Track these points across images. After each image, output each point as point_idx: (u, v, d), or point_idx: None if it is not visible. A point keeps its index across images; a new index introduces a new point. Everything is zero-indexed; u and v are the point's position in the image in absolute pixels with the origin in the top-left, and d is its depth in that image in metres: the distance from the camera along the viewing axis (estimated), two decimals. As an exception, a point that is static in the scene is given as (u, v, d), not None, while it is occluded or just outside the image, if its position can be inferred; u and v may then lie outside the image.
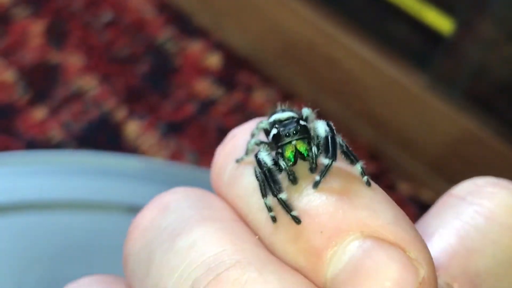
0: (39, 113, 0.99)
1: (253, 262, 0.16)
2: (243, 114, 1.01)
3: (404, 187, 0.97)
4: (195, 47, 1.08)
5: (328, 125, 0.19)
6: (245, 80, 1.05)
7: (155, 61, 1.06)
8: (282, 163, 0.18)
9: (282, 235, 0.17)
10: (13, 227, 0.42)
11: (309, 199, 0.17)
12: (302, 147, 0.18)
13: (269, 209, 0.18)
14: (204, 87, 1.04)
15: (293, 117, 0.20)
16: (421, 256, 0.16)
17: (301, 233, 0.17)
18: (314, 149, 0.18)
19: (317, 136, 0.18)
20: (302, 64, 1.01)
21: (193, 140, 0.98)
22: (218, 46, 1.08)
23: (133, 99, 1.02)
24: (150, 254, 0.19)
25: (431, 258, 0.16)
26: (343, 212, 0.17)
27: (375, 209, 0.17)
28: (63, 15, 1.09)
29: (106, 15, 1.10)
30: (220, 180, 0.20)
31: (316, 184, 0.17)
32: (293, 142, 0.18)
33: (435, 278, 0.16)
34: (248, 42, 1.06)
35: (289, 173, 0.18)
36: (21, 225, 0.42)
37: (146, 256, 0.19)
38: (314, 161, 0.18)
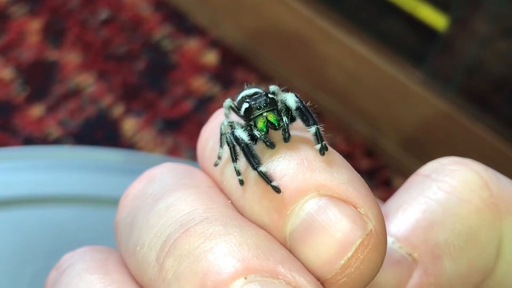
0: (36, 110, 0.99)
1: (219, 218, 0.18)
2: (239, 110, 1.01)
3: (400, 183, 0.97)
4: (192, 44, 1.08)
5: (296, 96, 0.20)
6: (242, 77, 1.06)
7: (152, 58, 1.06)
8: (256, 132, 0.19)
9: (249, 197, 0.19)
10: (8, 222, 0.42)
11: (273, 165, 0.19)
12: (272, 117, 0.19)
13: (238, 173, 0.19)
14: (201, 84, 1.04)
15: (260, 92, 0.21)
16: (370, 212, 0.18)
17: (265, 194, 0.18)
18: (285, 119, 0.19)
19: (287, 107, 0.20)
20: (299, 61, 1.01)
21: (190, 137, 0.99)
22: (215, 43, 1.08)
23: (130, 96, 1.02)
24: (134, 218, 0.20)
25: (380, 214, 0.18)
26: (302, 175, 0.18)
27: (331, 171, 0.18)
28: (60, 12, 1.09)
29: (103, 13, 1.10)
30: (203, 155, 0.22)
31: (322, 149, 0.19)
32: (264, 114, 0.19)
33: (383, 231, 0.18)
34: (245, 39, 1.06)
35: (265, 140, 0.19)
36: (17, 220, 0.43)
37: (130, 220, 0.21)
38: (287, 130, 0.19)
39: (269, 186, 0.18)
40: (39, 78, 1.03)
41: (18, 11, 1.08)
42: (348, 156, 0.99)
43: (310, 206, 0.18)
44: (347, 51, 0.94)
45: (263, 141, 0.19)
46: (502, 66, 0.85)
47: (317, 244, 0.18)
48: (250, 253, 0.17)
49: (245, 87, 0.22)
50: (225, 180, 0.20)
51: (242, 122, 0.20)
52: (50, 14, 1.09)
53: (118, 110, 1.01)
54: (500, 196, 0.21)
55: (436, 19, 0.88)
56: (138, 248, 0.19)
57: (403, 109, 0.93)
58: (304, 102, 0.20)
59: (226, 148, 0.20)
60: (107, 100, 1.01)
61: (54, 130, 0.98)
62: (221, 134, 0.20)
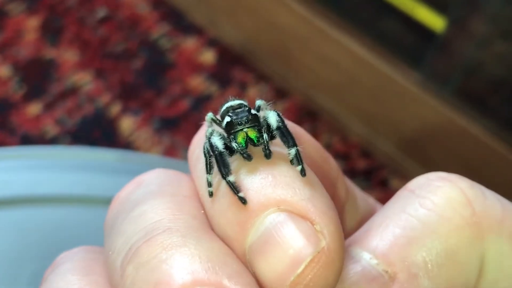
0: (33, 108, 0.99)
1: (181, 229, 0.19)
2: (237, 110, 1.01)
3: (396, 183, 0.98)
4: (189, 43, 1.08)
5: (279, 115, 0.20)
6: (239, 77, 1.06)
7: (149, 57, 1.06)
8: (234, 144, 0.20)
9: (216, 208, 0.19)
10: (6, 222, 0.42)
11: (240, 177, 0.19)
12: (252, 134, 0.20)
13: (209, 184, 0.20)
14: (198, 83, 1.04)
15: (244, 105, 0.21)
16: (325, 229, 0.18)
17: (230, 207, 0.19)
18: (265, 136, 0.20)
19: (268, 125, 0.20)
20: (296, 61, 1.01)
21: (187, 136, 0.99)
22: (213, 42, 1.08)
23: (128, 94, 1.02)
24: (114, 222, 0.21)
25: (337, 232, 0.18)
26: (265, 190, 0.19)
27: (294, 187, 0.19)
28: (57, 10, 1.09)
29: (101, 11, 1.10)
30: (190, 163, 0.23)
31: (303, 171, 0.19)
32: (244, 130, 0.20)
33: (337, 249, 0.18)
34: (243, 39, 1.06)
35: (242, 152, 0.19)
36: (14, 220, 0.43)
37: (111, 223, 0.21)
38: (267, 146, 0.19)
39: (236, 197, 0.19)
40: (36, 76, 1.02)
41: (15, 8, 1.08)
42: (345, 157, 0.99)
43: (269, 220, 0.18)
44: (344, 51, 0.94)
45: (240, 153, 0.19)
46: (499, 68, 0.85)
47: (271, 258, 0.18)
48: (200, 266, 0.18)
49: (229, 99, 0.22)
50: (200, 190, 0.21)
51: (224, 133, 0.21)
52: (48, 12, 1.09)
53: (115, 108, 1.00)
54: (483, 215, 0.20)
55: (434, 20, 0.88)
56: (110, 252, 0.20)
57: (400, 110, 0.93)
58: (285, 121, 0.20)
59: (215, 173, 0.20)
60: (104, 99, 1.01)
61: (51, 129, 0.98)
62: (204, 153, 0.21)
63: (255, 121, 0.20)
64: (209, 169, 0.20)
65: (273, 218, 0.18)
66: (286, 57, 1.02)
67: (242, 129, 0.20)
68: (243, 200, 0.18)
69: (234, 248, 0.19)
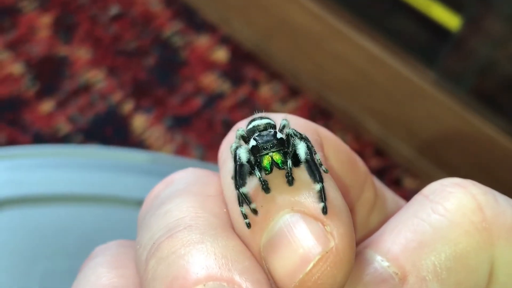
0: (46, 105, 0.99)
1: (200, 227, 0.20)
2: (249, 108, 1.01)
3: (409, 183, 0.97)
4: (202, 41, 1.08)
5: (308, 147, 0.20)
6: (252, 75, 1.05)
7: (162, 55, 1.06)
8: (257, 173, 0.20)
9: (236, 209, 0.20)
10: (20, 220, 0.42)
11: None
12: (278, 159, 0.20)
13: (244, 216, 0.20)
14: (211, 81, 1.04)
15: (270, 125, 0.22)
16: (335, 231, 0.19)
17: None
18: (289, 162, 0.20)
19: (295, 153, 0.20)
20: (309, 59, 1.01)
21: (200, 134, 0.98)
22: (225, 40, 1.08)
23: (140, 92, 1.02)
24: (144, 218, 0.22)
25: (347, 234, 0.19)
26: (280, 193, 0.20)
27: (309, 190, 0.20)
28: (70, 8, 1.09)
29: (113, 8, 1.10)
30: (219, 162, 0.23)
31: (324, 210, 0.19)
32: (270, 154, 0.20)
33: (346, 250, 0.19)
34: (255, 37, 1.06)
35: (263, 183, 0.20)
36: (28, 218, 0.43)
37: (141, 220, 0.23)
38: (290, 173, 0.20)
39: (248, 208, 0.20)
40: (49, 73, 1.03)
41: (28, 5, 1.08)
42: (358, 155, 0.99)
43: (283, 220, 0.19)
44: (358, 49, 0.93)
45: (260, 182, 0.20)
46: (514, 67, 0.85)
47: (282, 256, 0.19)
48: (214, 262, 0.19)
49: (256, 116, 0.22)
50: (224, 190, 0.22)
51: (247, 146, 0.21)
52: (60, 9, 1.09)
53: (127, 106, 1.00)
54: (494, 221, 0.21)
55: (449, 19, 0.87)
56: (138, 246, 0.21)
57: (414, 108, 0.93)
58: (314, 154, 0.20)
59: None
60: (117, 97, 1.01)
61: (63, 126, 0.98)
62: (231, 153, 0.22)
63: (281, 146, 0.20)
64: (241, 202, 0.20)
65: (286, 218, 0.19)
66: (299, 55, 1.02)
67: (268, 153, 0.20)
68: (254, 212, 0.19)
69: (250, 246, 0.20)
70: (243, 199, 0.20)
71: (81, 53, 1.05)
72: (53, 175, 0.44)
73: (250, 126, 0.22)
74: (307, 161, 0.20)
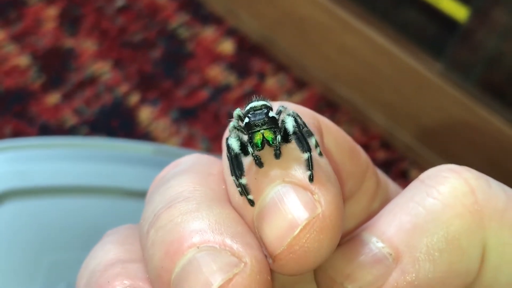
0: (52, 98, 0.99)
1: (197, 198, 0.21)
2: (255, 100, 1.01)
3: (416, 175, 0.97)
4: (208, 33, 1.08)
5: (296, 121, 0.22)
6: (258, 67, 1.05)
7: (168, 47, 1.06)
8: (250, 149, 0.21)
9: (231, 183, 0.22)
10: (26, 212, 0.42)
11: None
12: (269, 136, 0.21)
13: (237, 185, 0.22)
14: (217, 73, 1.04)
15: (266, 106, 0.23)
16: (322, 198, 0.20)
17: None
18: (279, 137, 0.21)
19: (285, 128, 0.22)
20: (316, 51, 1.00)
21: (205, 126, 0.98)
22: (231, 32, 1.08)
23: (146, 84, 1.02)
24: (149, 197, 0.24)
25: (335, 202, 0.20)
26: (273, 167, 0.21)
27: (299, 166, 0.21)
28: (76, 0, 1.09)
29: (120, 0, 1.09)
30: (222, 143, 0.25)
31: (310, 177, 0.21)
32: (261, 131, 0.21)
33: (332, 217, 0.20)
34: (262, 28, 1.05)
35: (256, 158, 0.21)
36: (34, 210, 0.43)
37: (147, 199, 0.24)
38: (278, 148, 0.21)
39: (246, 198, 0.21)
40: (55, 65, 1.03)
41: (34, -2, 1.08)
42: (365, 148, 0.98)
43: (274, 191, 0.21)
44: (365, 41, 0.93)
45: (254, 158, 0.21)
46: (523, 58, 0.84)
47: (273, 223, 0.20)
48: (208, 227, 0.20)
49: (254, 98, 0.24)
50: (224, 169, 0.23)
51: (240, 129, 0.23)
52: (66, 1, 1.08)
53: (133, 98, 1.00)
54: (486, 204, 0.21)
55: (457, 10, 0.87)
56: (141, 221, 0.23)
57: (421, 100, 0.92)
58: (302, 126, 0.22)
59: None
60: (123, 89, 1.01)
61: (69, 118, 0.98)
62: (229, 132, 0.23)
63: (272, 123, 0.22)
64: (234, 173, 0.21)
65: (278, 189, 0.20)
66: (306, 47, 1.01)
67: (259, 130, 0.21)
68: (251, 203, 0.21)
69: (245, 216, 0.21)
70: (242, 190, 0.21)
71: (87, 45, 1.05)
72: (59, 167, 0.44)
73: (248, 107, 0.23)
74: (294, 133, 0.21)
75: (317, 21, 0.97)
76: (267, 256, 0.20)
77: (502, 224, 0.21)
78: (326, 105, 1.02)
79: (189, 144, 0.97)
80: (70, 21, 1.07)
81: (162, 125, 0.98)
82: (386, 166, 0.98)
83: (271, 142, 0.21)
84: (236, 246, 0.20)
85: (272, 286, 0.20)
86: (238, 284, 0.19)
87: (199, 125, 0.99)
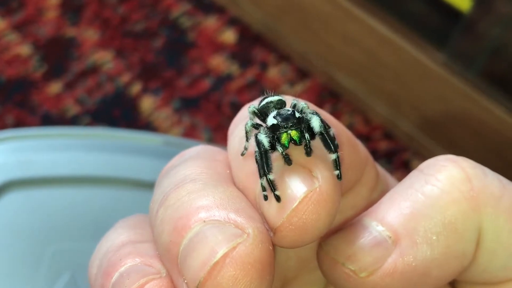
0: (54, 87, 0.99)
1: (203, 179, 0.23)
2: (258, 90, 1.01)
3: (418, 165, 0.97)
4: (210, 22, 1.07)
5: (321, 120, 0.23)
6: (260, 56, 1.05)
7: (170, 36, 1.06)
8: (279, 148, 0.22)
9: (237, 165, 0.24)
10: (29, 202, 0.42)
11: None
12: (296, 135, 0.22)
13: (263, 188, 0.22)
14: (219, 62, 1.04)
15: (282, 101, 0.24)
16: (320, 174, 0.21)
17: (247, 164, 0.23)
18: (307, 136, 0.22)
19: (310, 127, 0.23)
20: (318, 41, 1.00)
21: (207, 116, 0.98)
22: (234, 21, 1.07)
23: (148, 74, 1.02)
24: (158, 183, 0.25)
25: (330, 178, 0.22)
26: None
27: (298, 150, 0.22)
28: (78, -12, 1.08)
29: (121, -11, 1.09)
30: (228, 134, 0.26)
31: (339, 177, 0.22)
32: (289, 132, 0.22)
33: (329, 191, 0.21)
34: (264, 18, 1.05)
35: (285, 156, 0.22)
36: (37, 200, 0.43)
37: (156, 185, 0.25)
38: (309, 145, 0.22)
39: (272, 194, 0.22)
40: (57, 55, 1.02)
41: (36, -14, 1.08)
42: (367, 138, 0.98)
43: (278, 170, 0.22)
44: (368, 31, 0.92)
45: (283, 157, 0.22)
46: (526, 49, 0.84)
47: (273, 199, 0.22)
48: (213, 203, 0.22)
49: (267, 93, 0.25)
50: (230, 154, 0.25)
51: (264, 125, 0.23)
52: (68, -10, 1.08)
53: (135, 88, 1.00)
54: (481, 190, 0.22)
55: (460, 0, 0.86)
56: (151, 204, 0.24)
57: (424, 91, 0.92)
58: (328, 127, 0.23)
59: (251, 141, 0.23)
60: (124, 78, 1.01)
61: (71, 108, 0.98)
62: (246, 132, 0.24)
63: (299, 124, 0.23)
64: (262, 173, 0.22)
65: (281, 167, 0.22)
66: (308, 37, 1.01)
67: (286, 131, 0.22)
68: (278, 198, 0.21)
69: (248, 195, 0.23)
70: (270, 186, 0.22)
71: (88, 35, 1.04)
72: (62, 157, 0.44)
73: (264, 102, 0.24)
74: (321, 133, 0.22)
75: (319, 10, 0.96)
76: (269, 229, 0.22)
77: (497, 210, 0.22)
78: (328, 95, 1.01)
79: (191, 134, 0.97)
80: (71, 10, 1.06)
81: (164, 115, 0.98)
82: (389, 156, 0.98)
83: (298, 142, 0.22)
84: (239, 219, 0.21)
85: (274, 257, 0.22)
86: (241, 252, 0.20)
87: (201, 114, 0.98)
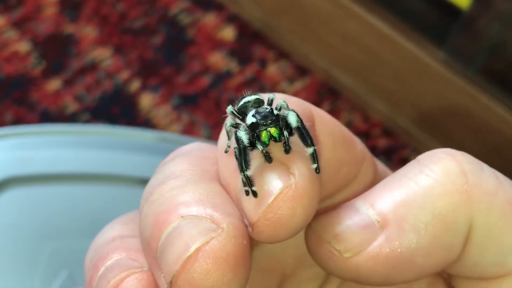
0: (53, 84, 0.99)
1: (187, 176, 0.23)
2: (257, 87, 1.00)
3: (417, 163, 0.97)
4: (209, 19, 1.07)
5: (298, 115, 0.23)
6: (259, 53, 1.05)
7: (168, 33, 1.05)
8: (259, 146, 0.22)
9: (222, 162, 0.24)
10: (27, 199, 0.42)
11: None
12: (275, 132, 0.23)
13: (244, 183, 0.23)
14: (218, 60, 1.03)
15: (259, 100, 0.24)
16: (297, 171, 0.22)
17: (230, 161, 0.24)
18: (286, 133, 0.22)
19: (287, 123, 0.23)
20: (318, 38, 1.00)
21: (207, 113, 0.98)
22: (233, 18, 1.07)
23: (147, 71, 1.01)
24: (149, 180, 0.26)
25: (307, 174, 0.22)
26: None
27: (279, 148, 0.23)
28: (77, -15, 1.08)
29: (120, -14, 1.09)
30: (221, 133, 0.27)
31: (317, 170, 0.22)
32: (268, 129, 0.23)
33: (305, 187, 0.22)
34: (263, 15, 1.05)
35: (265, 154, 0.22)
36: (35, 197, 0.43)
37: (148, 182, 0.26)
38: (287, 143, 0.22)
39: (250, 190, 0.22)
40: (56, 51, 1.02)
41: (34, -17, 1.08)
42: (366, 135, 0.98)
43: (255, 165, 0.23)
44: (367, 28, 0.92)
45: (263, 154, 0.22)
46: (525, 46, 0.84)
47: (252, 194, 0.22)
48: (193, 199, 0.22)
49: (245, 93, 0.25)
50: (217, 150, 0.25)
51: (243, 124, 0.24)
52: (67, -14, 1.08)
53: (134, 85, 1.00)
54: (476, 185, 0.23)
55: (460, -3, 0.86)
56: (140, 200, 0.25)
57: (423, 88, 0.92)
58: (303, 121, 0.23)
59: (232, 139, 0.24)
60: (123, 75, 1.01)
61: (70, 105, 0.97)
62: (226, 132, 0.24)
63: (277, 121, 0.23)
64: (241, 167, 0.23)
65: (258, 165, 0.23)
66: (308, 34, 1.01)
67: (265, 129, 0.23)
68: (255, 194, 0.22)
69: (230, 191, 0.23)
70: (248, 181, 0.22)
71: (87, 31, 1.04)
72: (60, 154, 0.44)
73: (242, 102, 0.25)
74: (298, 128, 0.23)
75: (319, 8, 0.96)
76: (248, 225, 0.22)
77: (490, 206, 0.22)
78: (327, 92, 1.01)
79: (190, 131, 0.97)
80: (70, 6, 1.06)
81: (163, 112, 0.98)
82: (388, 154, 0.98)
83: (277, 139, 0.22)
84: (216, 215, 0.22)
85: (250, 252, 0.22)
86: (214, 246, 0.21)
87: (200, 112, 0.98)
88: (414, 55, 0.90)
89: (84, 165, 0.43)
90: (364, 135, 0.98)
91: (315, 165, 0.22)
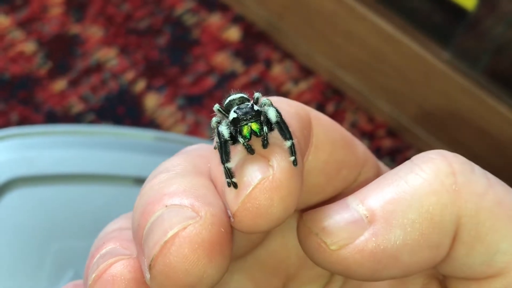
0: (58, 84, 0.99)
1: (177, 170, 0.24)
2: (261, 88, 1.01)
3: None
4: (214, 19, 1.07)
5: (277, 110, 0.24)
6: (264, 54, 1.05)
7: (173, 34, 1.06)
8: (240, 139, 0.23)
9: (212, 158, 0.25)
10: (32, 199, 0.42)
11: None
12: (256, 127, 0.23)
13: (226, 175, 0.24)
14: (223, 60, 1.04)
15: (245, 98, 0.25)
16: (276, 163, 0.22)
17: (215, 159, 0.24)
18: (265, 128, 0.23)
19: (268, 119, 0.24)
20: (322, 38, 1.00)
21: (212, 114, 0.98)
22: (238, 19, 1.07)
23: (152, 71, 1.02)
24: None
25: (286, 167, 0.23)
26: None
27: (259, 140, 0.23)
28: (82, -14, 1.09)
29: (125, -13, 1.09)
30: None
31: (295, 161, 0.23)
32: (249, 124, 0.24)
33: (284, 179, 0.22)
34: (268, 16, 1.05)
35: (247, 146, 0.23)
36: (40, 197, 0.43)
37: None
38: (266, 138, 0.23)
39: (230, 181, 0.23)
40: (61, 52, 1.02)
41: (40, -16, 1.08)
42: (371, 136, 0.98)
43: (237, 159, 0.23)
44: (372, 28, 0.92)
45: (245, 146, 0.23)
46: (530, 47, 0.84)
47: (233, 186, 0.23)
48: (178, 191, 0.23)
49: (232, 92, 0.26)
50: (210, 152, 0.26)
51: (227, 120, 0.25)
52: (72, -13, 1.08)
53: (139, 85, 1.00)
54: (465, 186, 0.23)
55: (465, -2, 0.86)
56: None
57: (428, 88, 0.92)
58: (283, 116, 0.24)
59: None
60: (128, 76, 1.01)
61: (75, 105, 0.98)
62: (213, 128, 0.25)
63: (258, 116, 0.24)
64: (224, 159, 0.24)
65: (239, 159, 0.23)
66: (312, 35, 1.01)
67: (247, 124, 0.23)
68: (235, 185, 0.23)
69: (217, 185, 0.24)
70: (227, 173, 0.23)
71: (92, 32, 1.04)
72: (66, 154, 0.44)
73: (227, 100, 0.26)
74: (277, 122, 0.23)
75: (323, 8, 0.96)
76: (231, 216, 0.23)
77: (478, 206, 0.23)
78: (332, 93, 1.01)
79: (195, 131, 0.97)
80: (76, 7, 1.07)
81: (168, 112, 0.98)
82: (392, 154, 0.98)
83: (258, 133, 0.23)
84: (197, 204, 0.23)
85: (230, 241, 0.23)
86: (189, 231, 0.22)
87: (205, 112, 0.98)
88: (419, 55, 0.90)
89: (89, 165, 0.43)
90: (368, 136, 0.98)
91: (292, 158, 0.23)
